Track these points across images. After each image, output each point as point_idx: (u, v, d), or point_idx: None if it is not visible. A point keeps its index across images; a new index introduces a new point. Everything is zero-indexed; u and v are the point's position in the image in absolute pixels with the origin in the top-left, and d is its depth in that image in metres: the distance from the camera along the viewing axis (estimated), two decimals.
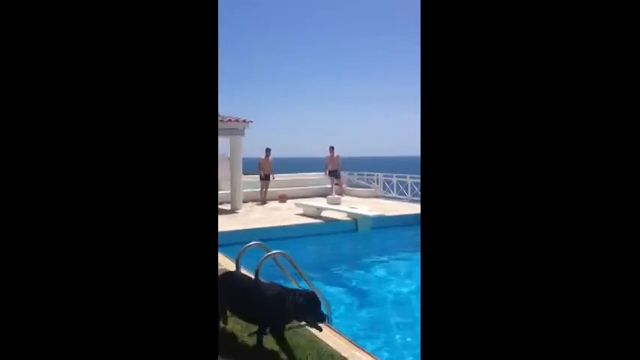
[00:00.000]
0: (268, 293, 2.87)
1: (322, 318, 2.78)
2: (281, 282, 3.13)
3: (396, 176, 12.54)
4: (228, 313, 3.19)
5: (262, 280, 3.05)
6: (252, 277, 3.10)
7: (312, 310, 2.74)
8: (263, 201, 11.31)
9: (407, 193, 11.94)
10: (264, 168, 11.50)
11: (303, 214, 9.29)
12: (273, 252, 3.46)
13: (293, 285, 3.67)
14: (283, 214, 9.41)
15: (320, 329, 2.81)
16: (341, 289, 5.30)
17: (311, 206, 9.50)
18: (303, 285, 3.81)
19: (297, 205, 9.99)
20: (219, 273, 3.02)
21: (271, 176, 11.57)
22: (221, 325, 3.13)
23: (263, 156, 11.66)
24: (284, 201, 11.45)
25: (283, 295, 2.80)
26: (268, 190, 11.50)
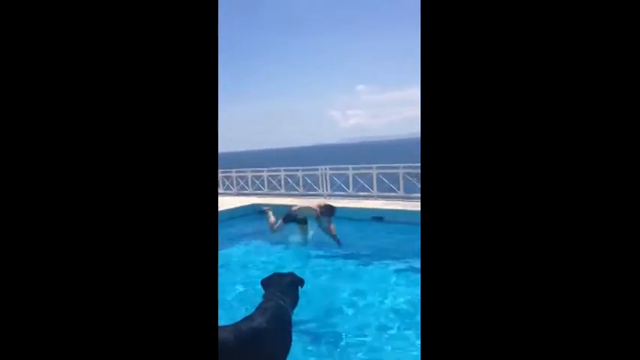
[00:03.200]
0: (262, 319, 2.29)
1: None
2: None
3: (235, 171, 12.28)
4: None
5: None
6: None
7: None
8: None
9: (248, 187, 11.76)
10: None
11: None
12: None
13: None
14: None
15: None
16: None
17: None
18: None
19: None
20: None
21: None
22: None
23: None
24: None
25: (277, 307, 2.40)
26: None
